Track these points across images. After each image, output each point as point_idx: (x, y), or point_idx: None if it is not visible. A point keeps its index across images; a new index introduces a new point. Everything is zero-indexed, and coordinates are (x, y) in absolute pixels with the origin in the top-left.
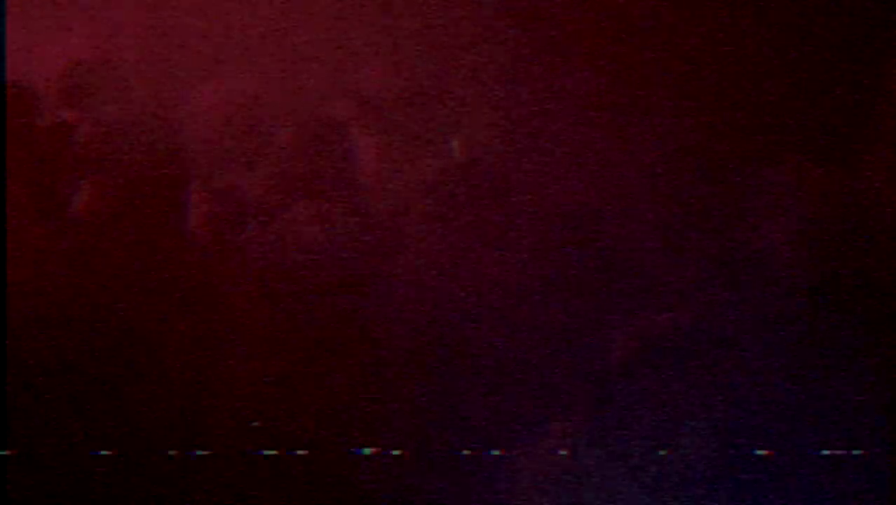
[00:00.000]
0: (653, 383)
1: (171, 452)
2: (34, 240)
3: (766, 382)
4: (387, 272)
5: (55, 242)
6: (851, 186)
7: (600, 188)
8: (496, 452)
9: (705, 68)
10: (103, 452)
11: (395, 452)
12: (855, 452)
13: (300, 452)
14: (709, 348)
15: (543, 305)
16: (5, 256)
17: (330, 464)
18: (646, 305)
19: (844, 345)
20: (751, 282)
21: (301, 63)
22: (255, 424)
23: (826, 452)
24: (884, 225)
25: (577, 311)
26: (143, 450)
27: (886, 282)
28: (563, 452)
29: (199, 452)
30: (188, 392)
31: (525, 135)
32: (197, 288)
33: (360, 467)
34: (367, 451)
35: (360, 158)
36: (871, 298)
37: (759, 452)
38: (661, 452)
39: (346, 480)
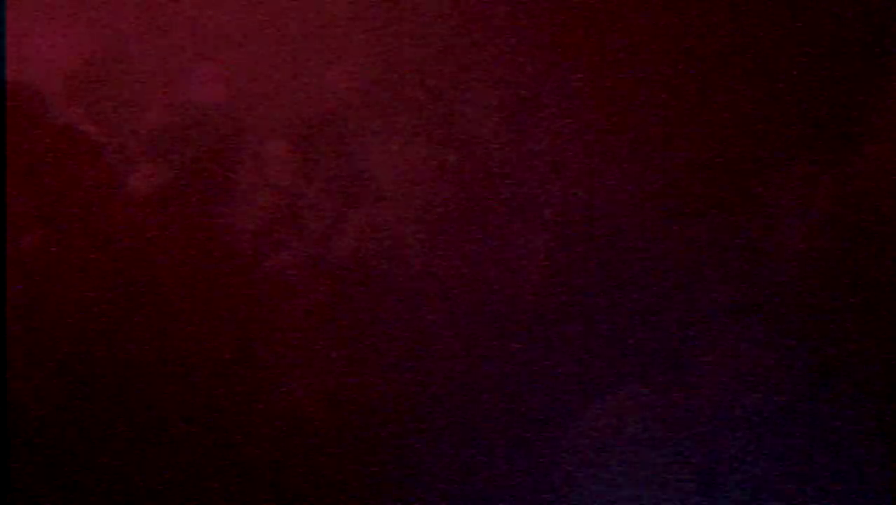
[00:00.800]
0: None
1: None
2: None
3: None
4: (391, 274)
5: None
6: (855, 187)
7: (618, 194)
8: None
9: (709, 74)
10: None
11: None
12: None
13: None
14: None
15: (566, 310)
16: (5, 251)
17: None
18: (661, 301)
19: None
20: (764, 280)
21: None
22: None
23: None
24: (886, 224)
25: (596, 310)
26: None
27: (890, 279)
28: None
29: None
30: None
31: (540, 139)
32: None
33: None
34: None
35: (365, 157)
36: (876, 294)
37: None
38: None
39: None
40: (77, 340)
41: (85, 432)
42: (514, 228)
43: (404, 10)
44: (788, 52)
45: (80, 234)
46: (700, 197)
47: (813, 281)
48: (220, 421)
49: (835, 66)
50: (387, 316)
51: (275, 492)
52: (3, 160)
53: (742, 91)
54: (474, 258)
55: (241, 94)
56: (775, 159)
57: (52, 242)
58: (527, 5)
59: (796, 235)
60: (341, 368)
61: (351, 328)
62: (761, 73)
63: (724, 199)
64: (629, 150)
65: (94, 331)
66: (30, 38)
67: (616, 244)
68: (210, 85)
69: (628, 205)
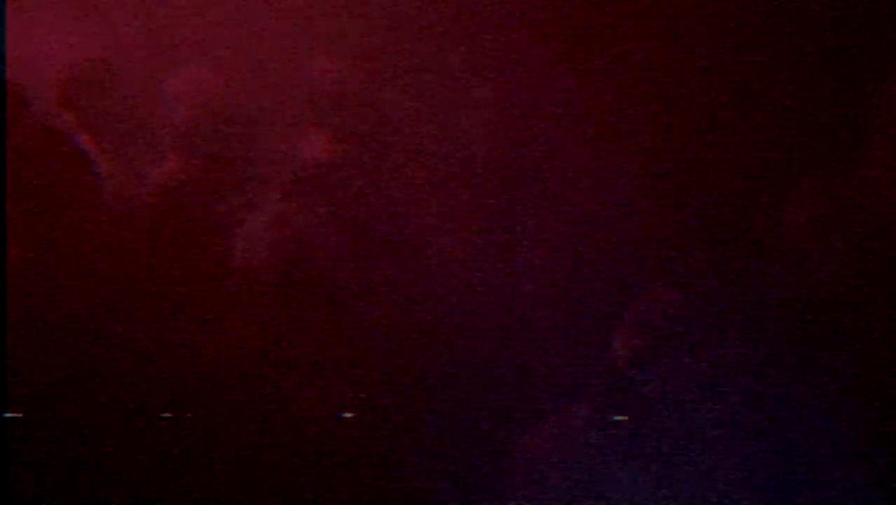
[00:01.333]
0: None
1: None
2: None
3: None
4: (388, 271)
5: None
6: (857, 192)
7: (634, 201)
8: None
9: (713, 77)
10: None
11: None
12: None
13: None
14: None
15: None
16: (5, 246)
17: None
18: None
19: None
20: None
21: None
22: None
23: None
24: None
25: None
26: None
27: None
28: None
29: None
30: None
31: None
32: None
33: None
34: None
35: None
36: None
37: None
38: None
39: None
40: (75, 344)
41: (84, 433)
42: (510, 229)
43: (401, 8)
44: (792, 61)
45: (78, 236)
46: (701, 207)
47: (818, 290)
48: (220, 420)
49: (837, 75)
50: (382, 315)
51: (269, 489)
52: (2, 163)
53: (747, 99)
54: (474, 258)
55: (242, 96)
56: (781, 171)
57: (50, 244)
58: (527, 3)
59: (802, 248)
60: (335, 370)
61: (346, 329)
62: (766, 81)
63: (728, 209)
64: (629, 160)
65: (89, 335)
66: (30, 41)
67: (610, 252)
68: (211, 88)
69: (626, 214)
